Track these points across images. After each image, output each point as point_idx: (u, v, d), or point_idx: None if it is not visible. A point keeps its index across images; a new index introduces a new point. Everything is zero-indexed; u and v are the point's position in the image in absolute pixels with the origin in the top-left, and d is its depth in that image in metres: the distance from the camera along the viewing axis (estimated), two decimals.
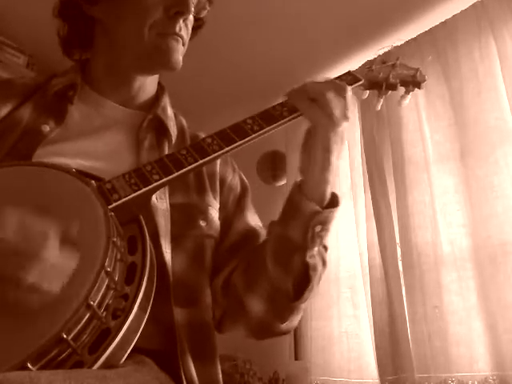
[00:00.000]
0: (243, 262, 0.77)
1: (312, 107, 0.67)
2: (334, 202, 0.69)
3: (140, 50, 0.75)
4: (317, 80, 0.71)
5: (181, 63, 0.78)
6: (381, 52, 0.89)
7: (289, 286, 0.69)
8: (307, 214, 0.66)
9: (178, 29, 0.75)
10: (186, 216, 0.74)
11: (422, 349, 1.62)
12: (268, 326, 0.74)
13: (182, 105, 0.95)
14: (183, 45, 0.78)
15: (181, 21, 0.75)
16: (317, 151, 0.67)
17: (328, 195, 0.69)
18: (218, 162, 0.85)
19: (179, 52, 0.77)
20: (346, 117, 0.68)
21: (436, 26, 1.90)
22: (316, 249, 0.69)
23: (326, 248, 0.74)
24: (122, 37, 0.76)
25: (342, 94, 0.68)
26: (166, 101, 0.86)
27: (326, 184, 0.68)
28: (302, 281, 0.69)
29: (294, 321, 0.75)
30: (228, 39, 2.08)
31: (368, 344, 1.82)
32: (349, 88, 0.70)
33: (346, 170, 2.12)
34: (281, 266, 0.69)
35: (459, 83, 1.77)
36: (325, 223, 0.67)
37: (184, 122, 0.89)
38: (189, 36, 0.80)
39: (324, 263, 0.73)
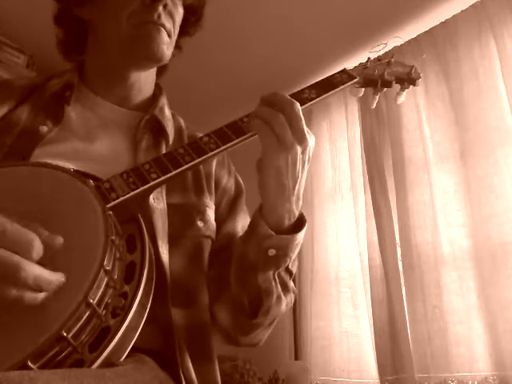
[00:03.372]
0: (217, 269, 0.77)
1: (263, 129, 0.62)
2: (298, 226, 0.66)
3: (120, 44, 0.74)
4: (275, 95, 0.64)
5: (165, 53, 0.75)
6: (375, 51, 0.89)
7: (245, 303, 0.69)
8: (260, 236, 0.64)
9: (156, 17, 0.73)
10: (183, 216, 0.74)
11: (422, 349, 1.62)
12: (232, 337, 0.75)
13: (180, 106, 0.95)
14: (169, 36, 0.76)
15: (160, 8, 0.73)
16: (269, 174, 0.63)
17: (287, 220, 0.65)
18: (215, 163, 0.85)
19: (161, 41, 0.74)
20: (301, 140, 0.62)
21: (436, 26, 1.90)
22: (271, 273, 0.67)
23: (290, 273, 0.72)
24: (105, 33, 0.76)
25: (293, 114, 0.62)
26: (164, 101, 0.86)
27: (283, 208, 0.64)
28: (257, 301, 0.68)
29: (259, 336, 0.75)
30: (226, 39, 2.08)
31: (368, 344, 1.82)
32: (299, 107, 0.63)
33: (346, 170, 2.12)
34: (239, 282, 0.69)
35: (459, 83, 1.77)
36: (280, 248, 0.64)
37: (182, 122, 0.88)
38: (175, 26, 0.78)
39: (286, 288, 0.71)
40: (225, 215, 0.83)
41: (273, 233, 0.64)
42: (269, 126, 0.62)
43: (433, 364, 1.58)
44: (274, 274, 0.68)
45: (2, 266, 0.44)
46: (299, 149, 0.63)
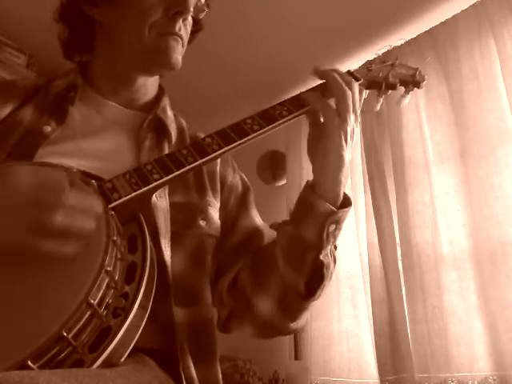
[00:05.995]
0: (250, 261, 0.77)
1: (327, 106, 0.69)
2: (345, 201, 0.70)
3: (140, 50, 0.76)
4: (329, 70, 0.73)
5: (180, 63, 0.78)
6: (380, 52, 0.89)
7: (301, 285, 0.69)
8: (322, 214, 0.67)
9: (177, 28, 0.76)
10: (185, 215, 0.74)
11: (422, 349, 1.62)
12: (277, 325, 0.74)
13: (182, 106, 0.95)
14: (182, 46, 0.79)
15: (180, 21, 0.76)
16: (330, 151, 0.68)
17: (341, 195, 0.69)
18: (219, 161, 0.85)
19: (178, 52, 0.77)
20: (355, 115, 0.70)
21: (436, 26, 1.90)
22: (329, 248, 0.69)
23: (336, 247, 0.74)
24: (122, 38, 0.77)
25: (353, 90, 0.70)
26: (166, 102, 0.86)
27: (340, 184, 0.68)
28: (313, 279, 0.69)
29: (303, 319, 0.76)
30: (227, 39, 2.08)
31: (368, 344, 1.82)
32: (357, 85, 0.72)
33: None
34: (293, 266, 0.69)
35: (459, 83, 1.77)
36: (338, 222, 0.68)
37: (184, 123, 0.89)
38: (188, 36, 0.80)
39: (335, 262, 0.73)
40: (237, 212, 0.84)
41: (334, 208, 0.67)
42: (335, 102, 0.68)
43: (433, 364, 1.58)
44: (330, 249, 0.70)
45: (43, 194, 0.49)
46: (353, 122, 0.69)
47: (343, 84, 0.70)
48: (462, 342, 1.54)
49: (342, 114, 0.68)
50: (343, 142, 0.68)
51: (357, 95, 0.71)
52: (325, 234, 0.67)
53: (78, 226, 0.50)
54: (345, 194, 0.71)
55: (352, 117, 0.69)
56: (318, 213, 0.67)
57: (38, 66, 2.18)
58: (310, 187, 0.69)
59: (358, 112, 0.70)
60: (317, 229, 0.67)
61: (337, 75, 0.71)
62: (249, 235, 0.82)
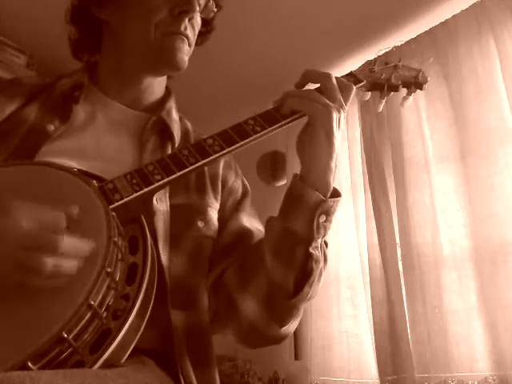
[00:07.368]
0: (237, 261, 0.76)
1: (305, 101, 0.68)
2: (334, 192, 0.69)
3: (145, 50, 0.76)
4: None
5: (186, 63, 0.78)
6: (380, 53, 0.89)
7: (289, 281, 0.68)
8: (312, 204, 0.66)
9: (183, 28, 0.76)
10: (184, 217, 0.74)
11: (422, 349, 1.62)
12: (261, 329, 0.71)
13: (183, 107, 0.95)
14: (189, 45, 0.78)
15: (186, 20, 0.76)
16: (320, 137, 0.67)
17: (331, 185, 0.68)
18: (221, 164, 0.85)
19: (184, 52, 0.77)
20: (338, 102, 0.69)
21: (436, 26, 1.90)
22: (319, 241, 0.68)
23: (326, 244, 0.73)
24: (128, 37, 0.77)
25: (327, 83, 0.71)
26: (172, 104, 0.86)
27: (330, 172, 0.67)
28: (302, 275, 0.68)
29: (292, 325, 0.74)
30: (227, 40, 2.07)
31: (368, 344, 1.82)
32: (332, 75, 0.72)
33: (346, 170, 2.12)
34: (281, 261, 0.68)
35: (459, 83, 1.77)
36: (328, 213, 0.67)
37: (189, 125, 0.89)
38: (195, 37, 0.80)
39: (325, 259, 0.72)
40: (230, 214, 0.83)
41: (324, 197, 0.66)
42: (307, 98, 0.68)
43: (433, 364, 1.58)
44: (320, 243, 0.69)
45: (39, 238, 0.46)
46: (342, 111, 0.69)
47: (319, 72, 0.71)
48: (462, 342, 1.54)
49: (323, 104, 0.67)
50: (332, 127, 0.67)
51: (334, 82, 0.70)
52: (315, 225, 0.66)
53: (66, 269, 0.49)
54: (333, 188, 0.70)
55: (333, 105, 0.68)
56: (307, 203, 0.66)
57: (37, 66, 2.17)
58: (299, 179, 0.68)
59: (343, 101, 0.70)
60: (307, 220, 0.66)
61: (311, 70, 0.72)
62: (237, 237, 0.80)
